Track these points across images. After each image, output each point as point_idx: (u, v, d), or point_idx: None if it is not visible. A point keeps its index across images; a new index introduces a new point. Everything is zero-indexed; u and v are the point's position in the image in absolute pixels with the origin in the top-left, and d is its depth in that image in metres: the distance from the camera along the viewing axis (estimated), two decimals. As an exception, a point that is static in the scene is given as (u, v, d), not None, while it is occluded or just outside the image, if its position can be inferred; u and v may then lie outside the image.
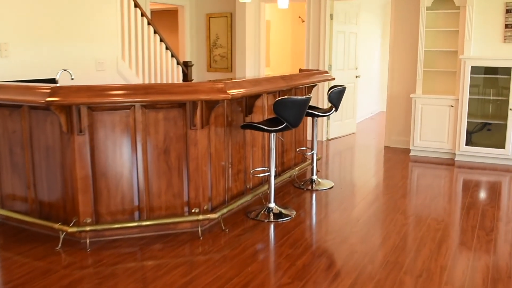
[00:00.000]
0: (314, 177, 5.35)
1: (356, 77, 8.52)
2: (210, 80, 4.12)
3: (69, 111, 3.53)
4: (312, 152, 5.29)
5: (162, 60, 6.27)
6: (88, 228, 3.69)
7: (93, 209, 3.75)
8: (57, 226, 3.71)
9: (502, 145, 6.32)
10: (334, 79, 5.66)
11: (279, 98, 3.95)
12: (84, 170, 3.67)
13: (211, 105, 3.79)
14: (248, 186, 4.65)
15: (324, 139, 8.00)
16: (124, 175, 3.77)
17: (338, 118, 8.11)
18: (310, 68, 7.76)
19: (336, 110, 5.12)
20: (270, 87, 4.19)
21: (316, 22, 7.65)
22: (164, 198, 3.89)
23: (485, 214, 4.45)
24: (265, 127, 4.08)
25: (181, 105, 3.76)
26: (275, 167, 4.36)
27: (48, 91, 3.34)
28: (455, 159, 6.57)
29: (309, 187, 5.21)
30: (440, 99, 6.56)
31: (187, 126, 3.82)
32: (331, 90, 4.94)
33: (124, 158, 3.74)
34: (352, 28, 8.26)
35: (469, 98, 6.38)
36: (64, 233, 3.70)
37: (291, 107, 3.99)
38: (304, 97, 4.02)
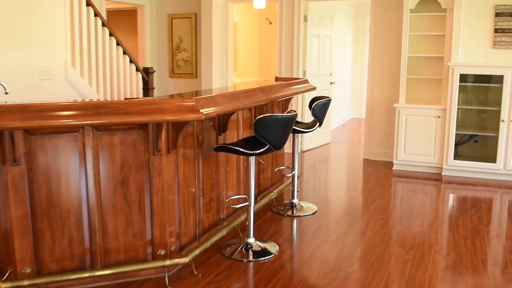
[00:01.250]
0: (295, 200, 4.71)
1: (331, 83, 7.96)
2: (178, 95, 3.42)
3: (-2, 136, 2.78)
4: (293, 172, 4.66)
5: (119, 67, 5.52)
6: (26, 283, 2.93)
7: (33, 256, 2.99)
8: (-15, 280, 2.94)
9: (493, 159, 5.86)
10: (315, 88, 5.05)
11: (261, 116, 3.29)
12: (21, 208, 2.92)
13: (179, 126, 3.10)
14: (221, 216, 3.97)
15: (298, 151, 7.38)
16: (72, 212, 3.03)
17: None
18: (283, 75, 7.14)
19: (320, 124, 4.51)
20: (249, 102, 3.53)
21: (289, 24, 7.04)
22: (123, 239, 3.17)
23: (491, 243, 3.92)
24: (244, 150, 3.41)
25: (142, 126, 3.06)
26: (249, 190, 3.71)
27: (-32, 112, 2.58)
28: (442, 173, 6.07)
29: (290, 213, 4.58)
30: (426, 109, 6.04)
31: (149, 152, 3.11)
32: (315, 103, 4.32)
33: (71, 192, 3.00)
34: (327, 31, 7.69)
35: (458, 108, 5.88)
36: (-6, 289, 2.94)
37: (275, 127, 3.34)
38: (290, 114, 3.37)
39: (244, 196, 3.99)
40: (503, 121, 5.70)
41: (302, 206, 4.69)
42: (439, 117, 5.98)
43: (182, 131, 3.19)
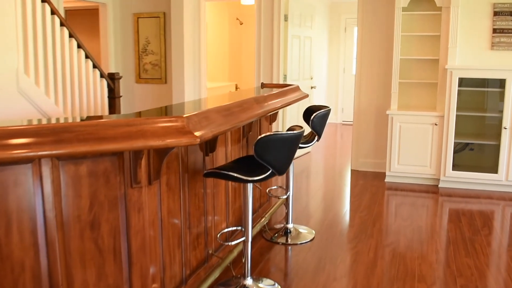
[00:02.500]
0: (290, 225, 4.12)
1: (312, 87, 7.42)
2: (157, 110, 2.77)
3: None
4: (288, 194, 4.06)
5: (81, 73, 4.80)
6: None
7: (-26, 323, 2.29)
8: None
9: (494, 169, 5.42)
10: (307, 96, 4.47)
11: (264, 136, 2.68)
12: (-43, 263, 2.22)
13: (164, 151, 2.46)
14: (210, 251, 3.34)
15: (293, 169, 6.79)
16: (28, 266, 2.34)
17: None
18: (262, 79, 6.55)
19: (319, 138, 3.93)
20: (246, 117, 2.90)
21: (268, 24, 6.45)
22: (93, 294, 2.50)
23: (521, 274, 3.44)
24: (242, 177, 2.79)
25: (117, 152, 2.40)
26: (247, 223, 3.10)
27: None
28: (439, 185, 5.60)
29: (284, 240, 3.98)
30: (422, 116, 5.56)
31: (125, 184, 2.46)
32: (314, 115, 3.73)
33: (26, 241, 2.31)
34: (308, 31, 7.15)
35: (456, 115, 5.42)
36: None
37: (280, 148, 2.74)
38: (296, 132, 2.78)
39: (237, 228, 3.36)
40: (505, 128, 5.27)
41: (297, 232, 4.10)
42: (436, 124, 5.51)
43: (167, 156, 2.55)
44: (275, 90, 3.92)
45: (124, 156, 2.41)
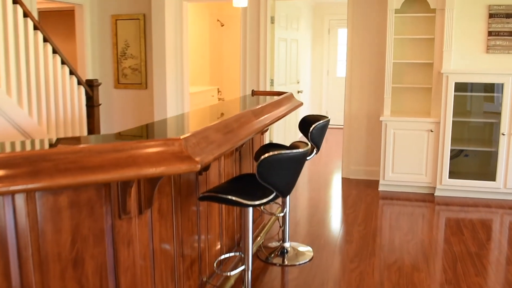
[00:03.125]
0: (287, 244, 3.84)
1: (298, 92, 7.16)
2: (148, 129, 2.45)
3: None
4: (285, 210, 3.78)
5: (57, 80, 4.44)
6: None
7: None
8: None
9: (491, 177, 5.24)
10: (302, 104, 4.20)
11: (268, 156, 2.39)
12: None
13: (157, 177, 2.15)
14: (204, 279, 3.04)
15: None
16: (-2, 312, 2.01)
17: (282, 142, 6.65)
18: (247, 84, 6.26)
19: (318, 150, 3.66)
20: (245, 133, 2.61)
21: (254, 27, 6.16)
22: None
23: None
24: (243, 201, 2.50)
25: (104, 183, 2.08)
26: (247, 250, 2.81)
27: None
28: (435, 194, 5.40)
29: (282, 261, 3.70)
30: (417, 122, 5.34)
31: (113, 215, 2.14)
32: (313, 127, 3.46)
33: (-5, 284, 1.99)
34: (294, 34, 6.89)
35: (452, 121, 5.22)
36: None
37: (285, 168, 2.45)
38: (303, 150, 2.50)
39: (234, 254, 3.07)
40: (503, 134, 5.09)
41: (294, 251, 3.83)
42: (431, 131, 5.30)
43: (159, 182, 2.25)
44: (270, 99, 3.64)
45: (111, 183, 2.09)
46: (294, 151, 2.43)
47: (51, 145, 2.04)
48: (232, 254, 3.06)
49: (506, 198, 5.23)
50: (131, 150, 1.89)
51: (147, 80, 6.64)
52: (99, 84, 4.98)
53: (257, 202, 2.50)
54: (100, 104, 5.01)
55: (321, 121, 3.51)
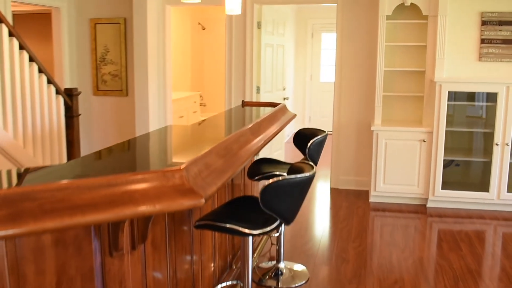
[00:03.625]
0: (281, 265, 3.64)
1: (284, 99, 6.98)
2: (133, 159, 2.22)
3: None
4: (280, 230, 3.58)
5: (33, 90, 4.16)
6: None
7: None
8: None
9: (484, 188, 5.13)
10: (295, 116, 4.01)
11: (272, 182, 2.19)
12: None
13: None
14: (198, 309, 2.82)
15: (254, 179, 6.30)
16: None
17: (268, 152, 6.47)
18: (233, 92, 6.05)
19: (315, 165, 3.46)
20: (246, 155, 2.40)
21: (240, 32, 5.96)
22: None
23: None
24: (245, 230, 2.29)
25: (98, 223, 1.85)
26: (248, 281, 2.60)
27: None
28: (428, 205, 5.27)
29: (276, 284, 3.50)
30: (410, 132, 5.20)
31: (103, 252, 1.92)
32: (311, 142, 3.27)
33: (-31, 336, 1.74)
34: (280, 39, 6.70)
35: (446, 131, 5.10)
36: None
37: (292, 194, 2.26)
38: (309, 173, 2.30)
39: (232, 282, 2.86)
40: (497, 144, 4.99)
41: (289, 272, 3.63)
42: (424, 141, 5.16)
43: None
44: (265, 113, 3.44)
45: (101, 218, 1.86)
46: (301, 175, 2.23)
47: (19, 176, 1.81)
48: (230, 282, 2.84)
49: (500, 209, 5.13)
50: (126, 185, 1.67)
51: (128, 87, 6.37)
52: (79, 93, 4.71)
53: (258, 232, 2.29)
54: (79, 115, 4.74)
55: (319, 136, 3.32)
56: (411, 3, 5.15)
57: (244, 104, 4.16)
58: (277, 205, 2.22)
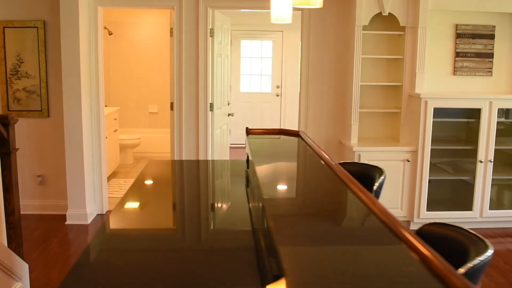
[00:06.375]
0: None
1: (229, 115, 6.26)
2: None
3: None
4: None
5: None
6: None
7: None
8: None
9: (468, 206, 4.95)
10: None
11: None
12: None
13: None
14: None
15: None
16: None
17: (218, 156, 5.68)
18: (184, 110, 5.20)
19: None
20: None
21: (192, 40, 5.13)
22: None
23: None
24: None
25: None
26: None
27: None
28: (411, 228, 4.94)
29: None
30: (393, 152, 4.83)
31: None
32: (376, 185, 2.67)
33: None
34: (226, 49, 5.97)
35: (431, 150, 4.81)
36: None
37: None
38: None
39: None
40: (481, 162, 4.81)
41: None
42: (408, 160, 4.83)
43: None
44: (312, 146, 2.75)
45: None
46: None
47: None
48: None
49: (483, 227, 4.98)
50: None
51: (49, 106, 5.19)
52: (16, 121, 3.56)
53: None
54: (17, 149, 3.59)
55: (382, 177, 2.73)
56: (389, 13, 4.79)
57: (249, 131, 3.42)
58: None
